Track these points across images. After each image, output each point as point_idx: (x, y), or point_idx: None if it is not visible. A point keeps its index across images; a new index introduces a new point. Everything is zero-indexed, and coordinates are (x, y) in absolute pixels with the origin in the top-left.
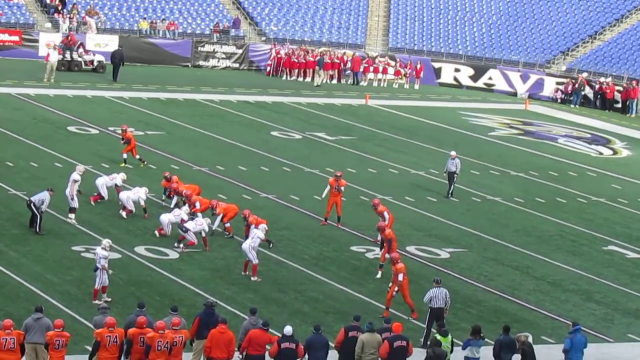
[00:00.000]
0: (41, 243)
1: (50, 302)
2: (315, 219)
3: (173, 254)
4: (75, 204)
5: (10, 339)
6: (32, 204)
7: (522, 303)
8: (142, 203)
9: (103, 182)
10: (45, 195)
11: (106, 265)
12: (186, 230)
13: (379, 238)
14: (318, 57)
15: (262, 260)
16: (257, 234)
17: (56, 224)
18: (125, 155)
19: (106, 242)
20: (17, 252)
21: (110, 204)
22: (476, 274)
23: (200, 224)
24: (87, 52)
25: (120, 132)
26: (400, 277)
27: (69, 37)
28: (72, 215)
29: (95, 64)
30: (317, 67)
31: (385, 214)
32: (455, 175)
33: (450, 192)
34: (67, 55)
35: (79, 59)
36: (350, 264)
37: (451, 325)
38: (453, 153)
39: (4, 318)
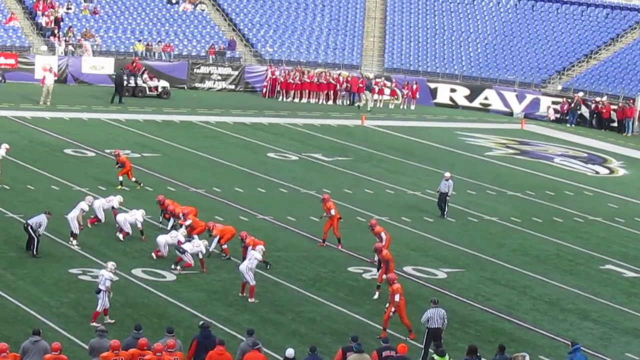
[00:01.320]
0: (38, 266)
1: (48, 324)
2: (312, 240)
3: (170, 276)
4: (77, 230)
5: None
6: (29, 227)
7: (519, 323)
8: (139, 225)
9: (100, 205)
10: (42, 218)
11: (110, 287)
12: (183, 252)
13: (376, 259)
14: (367, 82)
15: (259, 281)
16: (255, 255)
17: (53, 247)
18: (121, 178)
19: (111, 264)
20: (15, 275)
21: (107, 227)
22: (473, 294)
23: (198, 245)
24: (151, 78)
25: (113, 156)
26: (397, 297)
27: (134, 64)
28: (75, 241)
29: (160, 90)
30: (365, 91)
31: (383, 234)
32: (448, 197)
33: (445, 212)
34: (132, 81)
35: (143, 85)
36: (348, 285)
37: (449, 345)
38: (447, 174)
39: (1, 341)
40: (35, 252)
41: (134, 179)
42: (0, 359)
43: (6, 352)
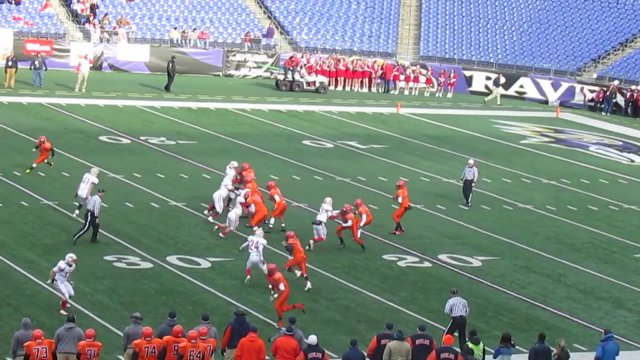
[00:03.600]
0: (73, 253)
1: (83, 311)
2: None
3: (205, 264)
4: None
5: (42, 348)
6: (91, 213)
7: (553, 311)
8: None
9: (219, 195)
10: (96, 199)
11: (64, 275)
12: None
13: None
14: (496, 76)
15: (294, 268)
16: (260, 241)
17: (88, 234)
18: (35, 165)
19: (69, 256)
20: (49, 262)
21: (141, 214)
22: (508, 282)
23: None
24: (310, 73)
25: (39, 143)
26: (282, 286)
27: (292, 59)
28: (77, 211)
29: (317, 85)
30: (493, 86)
31: (364, 216)
32: (473, 184)
33: (470, 199)
34: (289, 76)
35: (301, 80)
36: (382, 273)
37: (483, 333)
38: (471, 161)
39: (37, 328)
40: (94, 237)
41: (46, 161)
42: (35, 345)
43: (41, 338)
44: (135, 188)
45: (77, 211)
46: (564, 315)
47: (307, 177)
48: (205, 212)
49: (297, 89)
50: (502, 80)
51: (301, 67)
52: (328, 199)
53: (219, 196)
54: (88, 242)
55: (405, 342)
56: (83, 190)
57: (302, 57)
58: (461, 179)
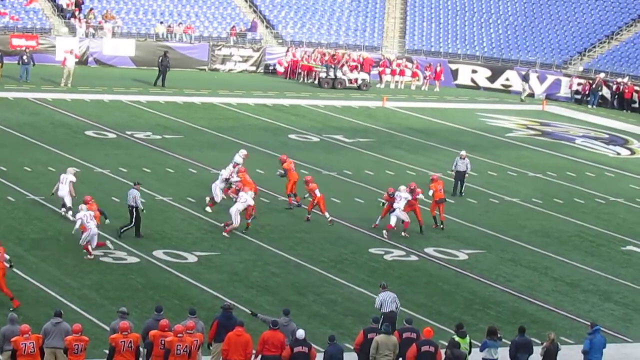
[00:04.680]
0: (60, 247)
1: (69, 306)
2: (334, 221)
3: (192, 258)
4: (70, 203)
5: (30, 343)
6: (134, 209)
7: (540, 304)
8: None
9: (215, 185)
10: (135, 193)
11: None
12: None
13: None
14: (524, 73)
15: (280, 262)
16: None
17: (74, 228)
18: None
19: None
20: (36, 257)
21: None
22: (494, 275)
23: (244, 200)
24: (351, 70)
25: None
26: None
27: (334, 56)
28: (70, 212)
29: (359, 82)
30: (522, 82)
31: (317, 192)
32: (466, 175)
33: (462, 190)
34: (331, 74)
35: (343, 77)
36: (369, 266)
37: (470, 326)
38: (463, 153)
39: (23, 322)
40: (137, 232)
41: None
42: (23, 340)
43: (28, 333)
44: (122, 183)
45: (63, 209)
46: (550, 309)
47: None
48: (207, 208)
49: (339, 86)
50: (532, 76)
51: (343, 65)
52: (402, 187)
53: (214, 186)
54: (74, 237)
55: (393, 336)
56: (63, 190)
57: (343, 55)
58: (452, 170)
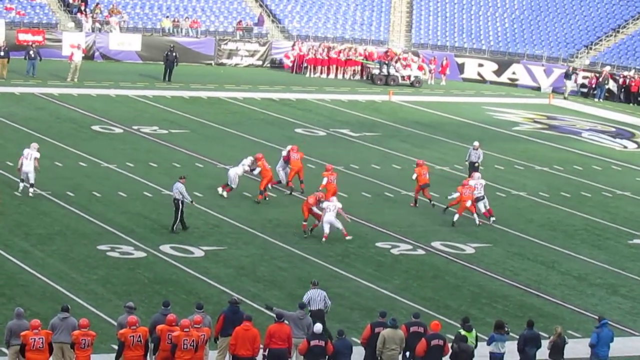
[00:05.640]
0: (67, 242)
1: (76, 301)
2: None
3: (198, 252)
4: (33, 179)
5: (39, 338)
6: (179, 202)
7: (547, 297)
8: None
9: (235, 173)
10: (180, 187)
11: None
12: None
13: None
14: (565, 70)
15: (287, 257)
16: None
17: (81, 224)
18: None
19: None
20: (43, 252)
21: (134, 202)
22: (501, 269)
23: (333, 207)
24: (404, 67)
25: None
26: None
27: (387, 52)
28: (32, 189)
29: (412, 79)
30: (565, 79)
31: (266, 165)
32: (476, 165)
33: None
34: (384, 70)
35: (396, 74)
36: (376, 260)
37: (477, 320)
38: (476, 143)
39: (31, 318)
40: (183, 225)
41: None
42: (32, 335)
43: (38, 329)
44: (128, 177)
45: (22, 184)
46: (557, 302)
47: None
48: (219, 189)
49: (392, 83)
50: (574, 73)
51: (396, 61)
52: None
53: (234, 173)
54: (81, 232)
55: (399, 330)
56: (28, 165)
57: (398, 51)
58: (466, 161)
